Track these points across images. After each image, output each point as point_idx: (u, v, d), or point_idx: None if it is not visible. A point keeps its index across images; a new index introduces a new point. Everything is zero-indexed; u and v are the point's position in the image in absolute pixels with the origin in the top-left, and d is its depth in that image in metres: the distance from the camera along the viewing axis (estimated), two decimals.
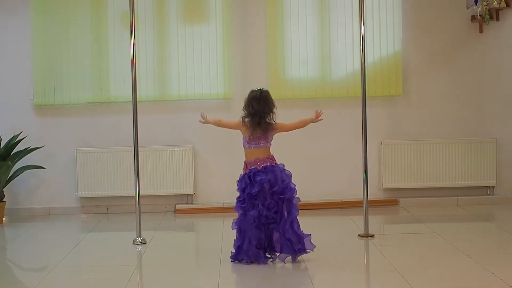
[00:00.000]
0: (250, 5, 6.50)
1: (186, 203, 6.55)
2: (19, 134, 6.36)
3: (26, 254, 5.11)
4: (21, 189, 6.54)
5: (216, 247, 4.95)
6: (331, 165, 6.53)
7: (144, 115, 6.06)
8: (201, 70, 6.45)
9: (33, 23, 6.43)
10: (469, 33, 6.53)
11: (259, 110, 4.46)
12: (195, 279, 4.27)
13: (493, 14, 6.40)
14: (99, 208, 6.54)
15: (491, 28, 6.49)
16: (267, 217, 4.40)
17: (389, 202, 6.54)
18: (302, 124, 4.69)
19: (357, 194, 5.89)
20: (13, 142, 6.31)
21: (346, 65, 6.45)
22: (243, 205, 4.45)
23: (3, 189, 6.28)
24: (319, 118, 4.68)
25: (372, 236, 5.17)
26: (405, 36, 6.51)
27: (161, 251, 4.97)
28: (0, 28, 6.48)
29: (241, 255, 4.45)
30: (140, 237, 5.19)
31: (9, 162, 6.12)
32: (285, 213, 4.42)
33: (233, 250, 4.51)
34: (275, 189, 4.41)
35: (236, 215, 4.55)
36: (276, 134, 4.55)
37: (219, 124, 4.73)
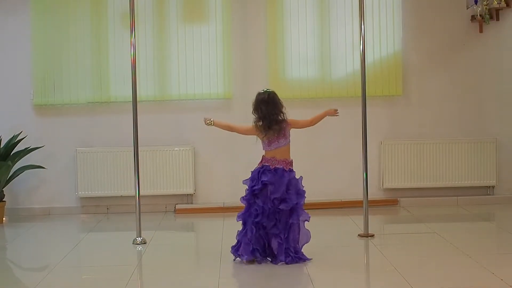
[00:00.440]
0: (250, 5, 6.50)
1: (186, 203, 6.55)
2: (19, 134, 6.36)
3: (26, 254, 5.11)
4: (21, 189, 6.54)
5: (216, 247, 4.95)
6: (331, 165, 6.53)
7: (144, 115, 6.06)
8: (201, 70, 6.45)
9: (33, 23, 6.43)
10: (469, 33, 6.53)
11: (268, 113, 4.47)
12: (195, 279, 4.26)
13: (493, 14, 6.40)
14: (99, 208, 6.54)
15: (491, 28, 6.49)
16: (267, 217, 4.41)
17: (389, 202, 6.54)
18: (316, 120, 4.68)
19: (357, 194, 5.89)
20: (13, 142, 6.31)
21: (346, 65, 6.45)
22: (246, 197, 4.48)
23: (3, 189, 6.28)
24: (336, 113, 4.72)
25: (372, 236, 5.17)
26: (405, 36, 6.51)
27: (161, 251, 4.97)
28: (0, 28, 6.48)
29: (240, 250, 4.46)
30: (140, 237, 5.19)
31: (9, 162, 6.12)
32: (286, 221, 4.42)
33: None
34: (275, 196, 4.42)
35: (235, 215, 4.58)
36: (291, 129, 4.56)
37: (229, 129, 4.72)
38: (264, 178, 4.41)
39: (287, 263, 4.39)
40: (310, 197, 6.16)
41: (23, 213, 6.49)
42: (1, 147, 6.27)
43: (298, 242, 4.48)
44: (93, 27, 6.45)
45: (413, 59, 6.54)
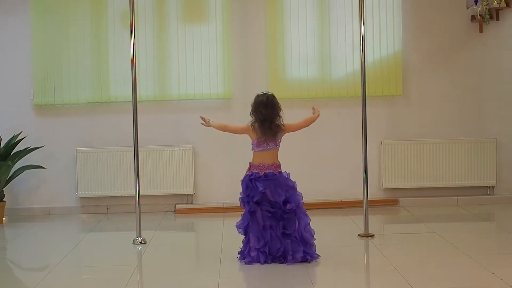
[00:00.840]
0: (250, 5, 6.50)
1: (186, 203, 6.55)
2: (19, 134, 6.36)
3: (26, 254, 5.11)
4: (21, 189, 6.54)
5: (216, 247, 4.95)
6: (331, 165, 6.53)
7: (144, 115, 6.06)
8: (201, 70, 6.45)
9: (33, 23, 6.43)
10: (469, 33, 6.53)
11: (267, 115, 4.47)
12: (195, 279, 4.26)
13: (493, 14, 6.40)
14: (99, 208, 6.54)
15: (491, 28, 6.49)
16: (277, 220, 4.42)
17: (389, 202, 6.54)
18: (308, 122, 4.70)
19: (357, 194, 5.89)
20: (13, 142, 6.31)
21: (346, 65, 6.45)
22: (247, 208, 4.46)
23: (3, 189, 6.28)
24: (317, 112, 4.71)
25: (372, 236, 5.17)
26: (405, 36, 6.51)
27: (161, 251, 4.97)
28: (0, 28, 6.48)
29: (254, 256, 4.43)
30: (140, 237, 5.19)
31: (9, 162, 6.12)
32: (297, 222, 4.43)
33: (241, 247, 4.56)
34: (280, 199, 4.42)
35: (238, 219, 4.58)
36: (284, 135, 4.57)
37: (224, 129, 4.72)
38: (260, 188, 4.41)
39: (308, 261, 4.39)
40: (310, 197, 6.19)
41: (23, 213, 6.49)
42: (1, 147, 6.27)
43: (312, 237, 4.48)
44: (93, 27, 6.45)
45: (413, 59, 6.54)
